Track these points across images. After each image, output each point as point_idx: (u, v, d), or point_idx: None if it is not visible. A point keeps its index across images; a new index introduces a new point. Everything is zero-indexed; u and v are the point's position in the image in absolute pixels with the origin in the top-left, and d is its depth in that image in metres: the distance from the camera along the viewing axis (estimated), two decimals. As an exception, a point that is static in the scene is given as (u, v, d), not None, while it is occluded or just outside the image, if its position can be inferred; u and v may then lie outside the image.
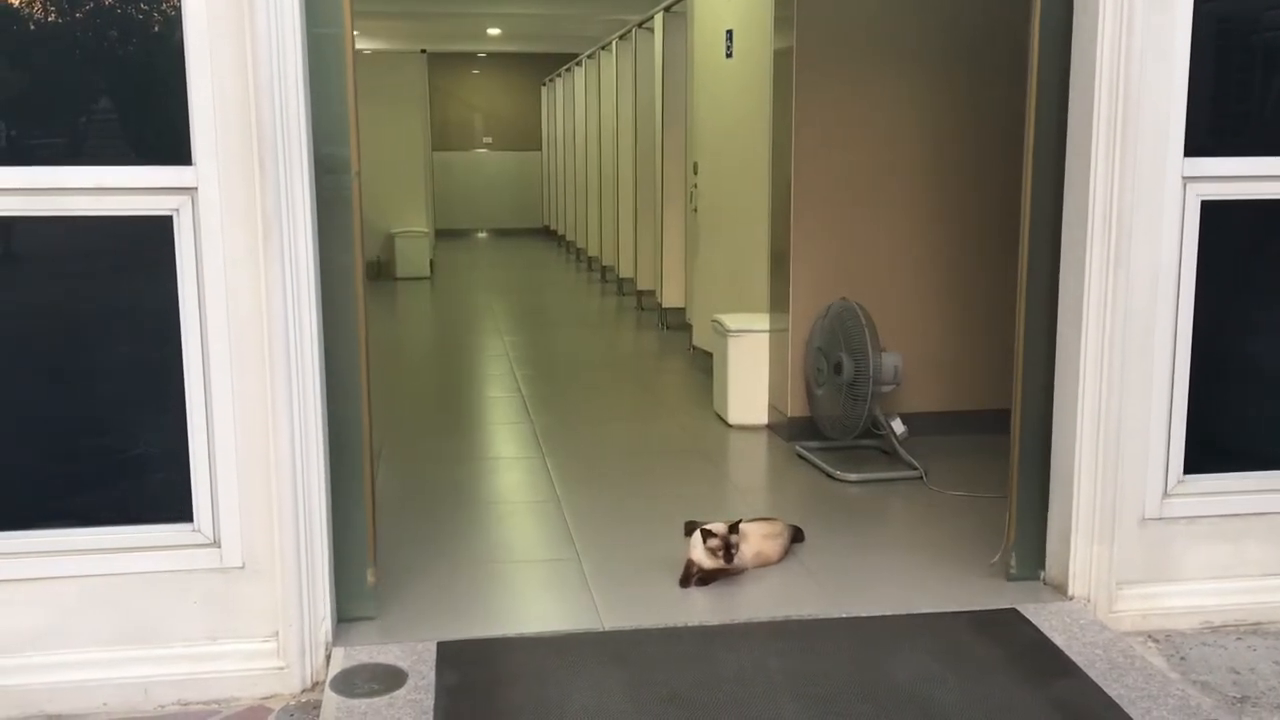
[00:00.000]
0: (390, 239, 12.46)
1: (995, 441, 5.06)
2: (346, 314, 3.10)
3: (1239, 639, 3.35)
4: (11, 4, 2.84)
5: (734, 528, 3.64)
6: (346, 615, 3.24)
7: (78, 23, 2.94)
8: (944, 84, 5.21)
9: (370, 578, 3.25)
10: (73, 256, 2.99)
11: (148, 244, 2.92)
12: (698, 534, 3.62)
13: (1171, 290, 3.31)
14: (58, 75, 2.91)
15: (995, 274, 5.29)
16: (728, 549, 3.58)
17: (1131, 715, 2.79)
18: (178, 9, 2.82)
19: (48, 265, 3.00)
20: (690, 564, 3.63)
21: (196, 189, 2.87)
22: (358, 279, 3.11)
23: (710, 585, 3.60)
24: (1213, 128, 3.32)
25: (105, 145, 2.96)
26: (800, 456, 5.08)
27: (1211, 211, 3.31)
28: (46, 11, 2.91)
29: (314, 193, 2.96)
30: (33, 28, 2.90)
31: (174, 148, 2.86)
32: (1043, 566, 3.54)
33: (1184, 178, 3.26)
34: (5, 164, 2.84)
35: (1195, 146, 3.26)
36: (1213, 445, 3.46)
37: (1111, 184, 3.21)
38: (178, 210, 2.89)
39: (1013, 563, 3.56)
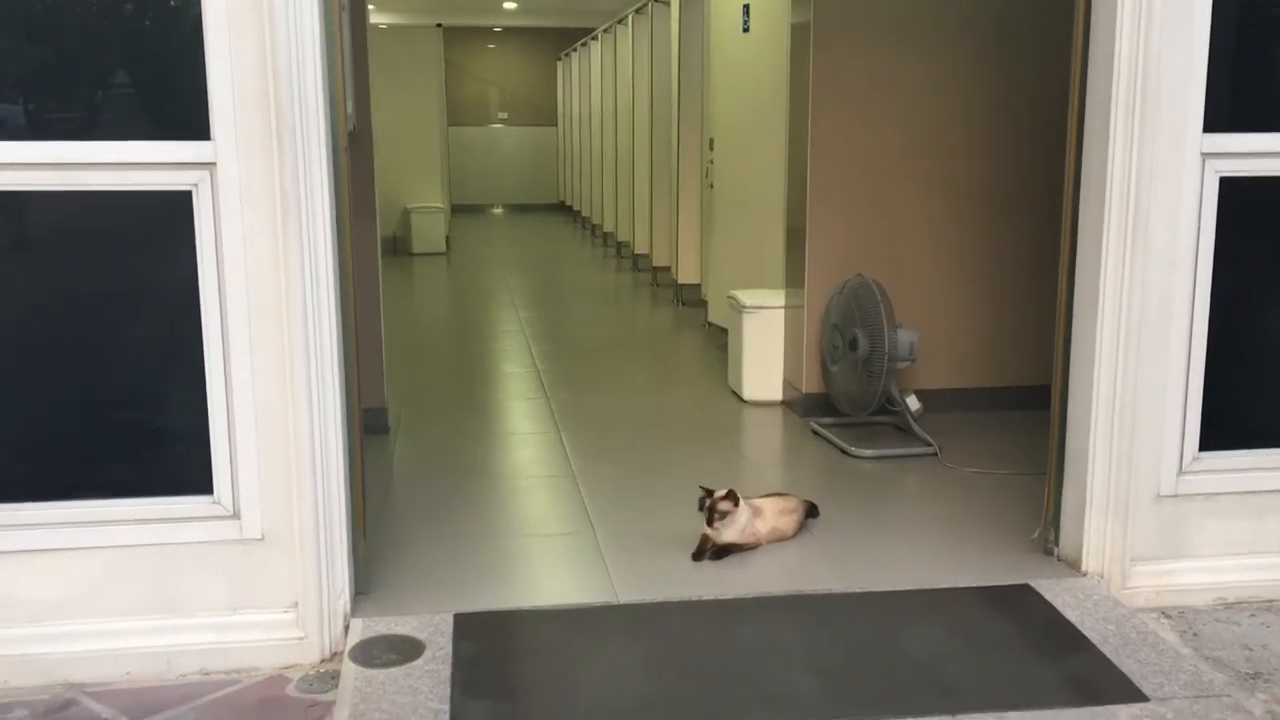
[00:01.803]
0: (406, 214, 12.47)
1: (1010, 418, 5.10)
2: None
3: (1252, 615, 3.36)
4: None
5: (729, 495, 3.64)
6: (364, 587, 3.28)
7: (97, -2, 2.96)
8: (963, 58, 5.18)
9: (360, 550, 3.26)
10: (94, 232, 3.01)
11: (167, 219, 2.94)
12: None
13: (1189, 266, 3.30)
14: (77, 50, 2.93)
15: (1013, 251, 5.28)
16: (711, 511, 3.59)
17: (1144, 690, 2.80)
18: (196, -16, 2.83)
19: (69, 240, 3.01)
20: (705, 538, 3.65)
21: (215, 164, 2.89)
22: (346, 251, 3.08)
23: (725, 559, 3.62)
24: (1232, 104, 3.29)
25: (124, 120, 2.98)
26: (815, 433, 5.09)
27: (1230, 188, 3.29)
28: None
29: (333, 165, 2.97)
30: (53, 3, 2.91)
31: (193, 123, 2.88)
32: (1057, 542, 3.55)
33: (1203, 154, 3.25)
34: (26, 139, 2.87)
35: (1215, 122, 3.24)
36: (1229, 422, 3.45)
37: (1130, 159, 3.20)
38: (197, 185, 2.90)
39: (1050, 538, 3.57)
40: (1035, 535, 3.65)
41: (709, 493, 3.67)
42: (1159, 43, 3.15)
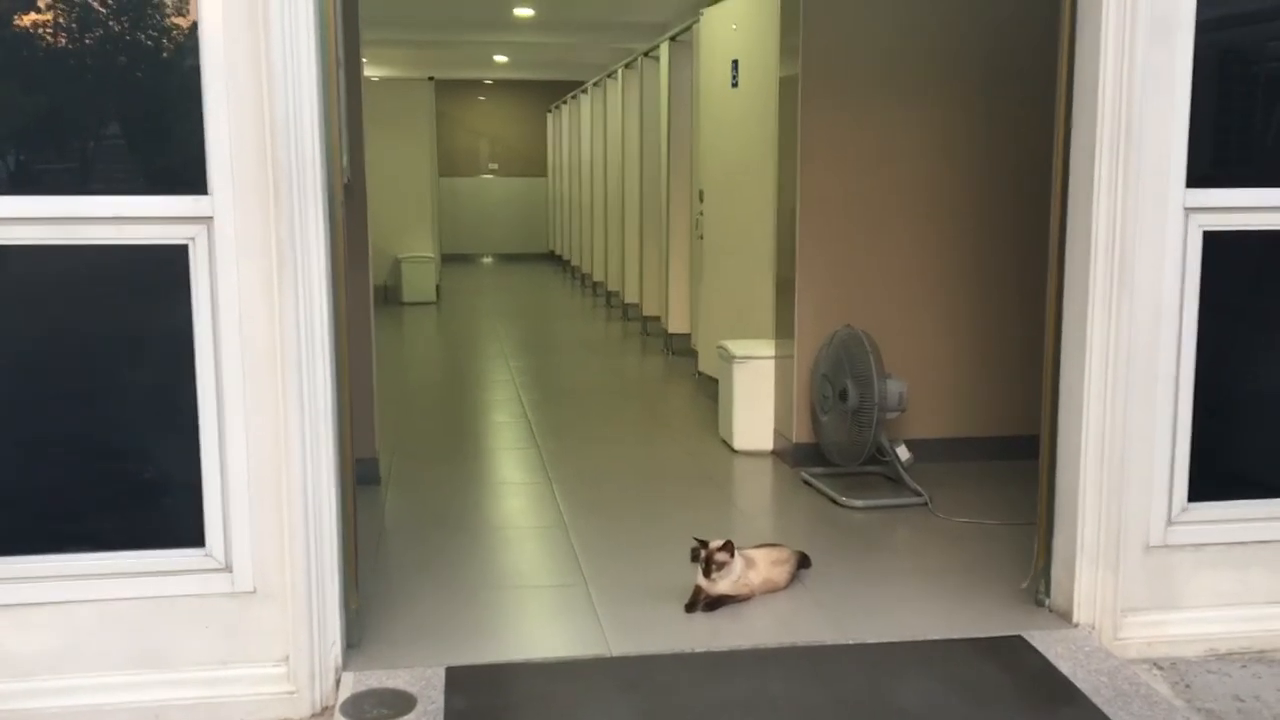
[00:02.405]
0: (397, 264, 12.52)
1: (1000, 468, 5.12)
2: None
3: (1244, 666, 3.36)
4: (33, 34, 2.89)
5: (726, 546, 3.64)
6: (356, 640, 3.26)
7: (94, 52, 2.99)
8: (950, 110, 5.26)
9: (353, 603, 3.26)
10: (88, 284, 3.02)
11: (163, 272, 2.96)
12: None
13: (1174, 319, 3.34)
14: (75, 104, 2.96)
15: (1001, 301, 5.33)
16: (708, 562, 3.59)
17: (1137, 742, 2.80)
18: (195, 40, 2.87)
19: (64, 293, 3.03)
20: (698, 590, 3.65)
21: (212, 218, 2.91)
22: (340, 303, 3.09)
23: (717, 611, 3.62)
24: (1215, 159, 3.36)
25: (122, 175, 3.01)
26: (806, 483, 5.10)
27: (1214, 242, 3.34)
28: (60, 39, 2.96)
29: (329, 220, 3.00)
30: (51, 58, 2.95)
31: (190, 177, 2.91)
32: (1048, 593, 3.56)
33: (1186, 209, 3.30)
34: (22, 193, 2.89)
35: (1197, 178, 3.29)
36: (1217, 473, 3.47)
37: (1114, 214, 3.25)
38: (193, 239, 2.93)
39: (1041, 588, 3.57)
40: (1025, 585, 3.65)
41: (704, 544, 3.67)
42: (1140, 99, 3.21)
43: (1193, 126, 3.27)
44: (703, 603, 3.63)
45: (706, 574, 3.61)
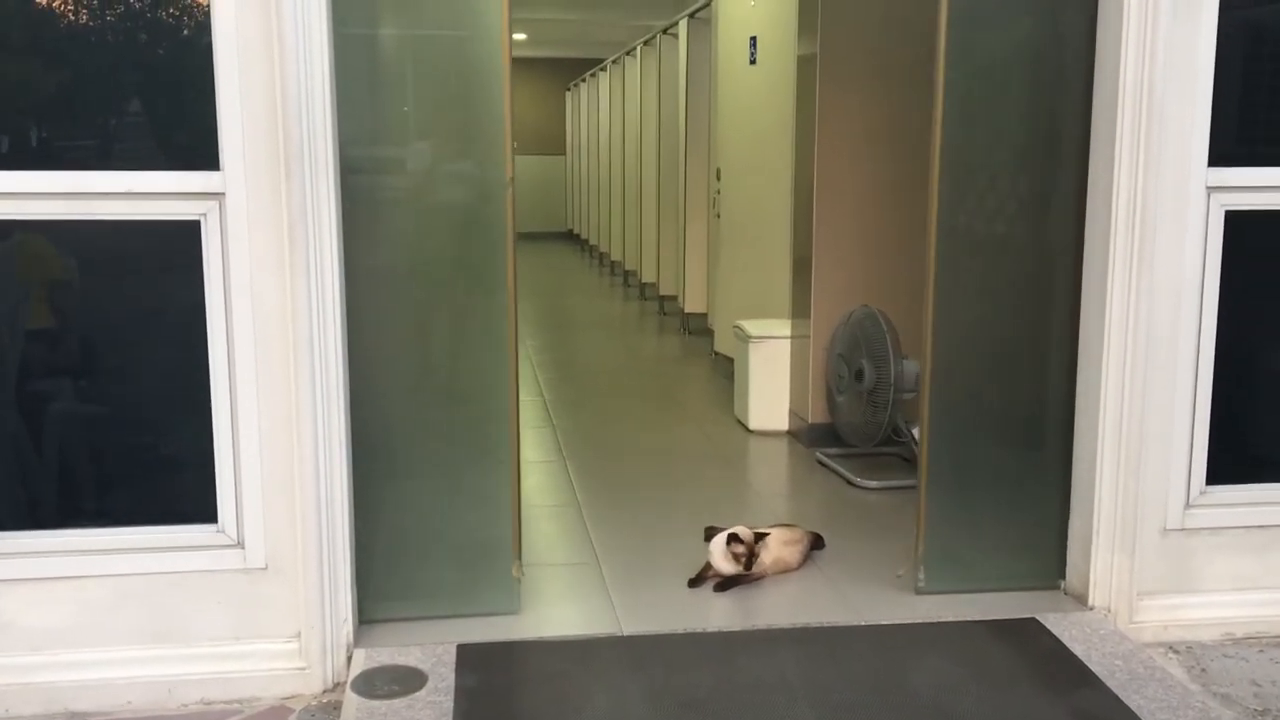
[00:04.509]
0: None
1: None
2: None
3: (1261, 651, 3.34)
4: (46, 10, 2.89)
5: (759, 537, 3.64)
6: (369, 617, 3.27)
7: (109, 28, 2.98)
8: (968, 91, 5.19)
9: (515, 572, 3.32)
10: (100, 260, 3.02)
11: (175, 248, 2.96)
12: (719, 538, 3.64)
13: (1195, 300, 3.30)
14: (88, 81, 2.96)
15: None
16: (750, 557, 3.59)
17: (1151, 727, 2.78)
18: (208, 16, 2.86)
19: (78, 269, 3.03)
20: (707, 567, 3.64)
21: (224, 194, 2.91)
22: (510, 279, 3.17)
23: (730, 591, 3.61)
24: (1237, 137, 3.31)
25: (134, 150, 3.00)
26: (821, 463, 5.08)
27: (1236, 222, 3.30)
28: (77, 15, 2.96)
29: (339, 196, 2.99)
30: (64, 33, 2.95)
31: (202, 153, 2.90)
32: (1062, 576, 3.54)
33: (1208, 187, 3.25)
34: (37, 168, 2.89)
35: (1219, 156, 3.25)
36: (1237, 456, 3.44)
37: (1135, 193, 3.21)
38: (205, 215, 2.92)
39: (921, 576, 3.53)
40: (901, 573, 3.61)
41: (717, 529, 3.67)
42: (1163, 76, 3.16)
43: (1215, 104, 3.23)
44: (715, 583, 3.62)
45: (748, 566, 3.60)
